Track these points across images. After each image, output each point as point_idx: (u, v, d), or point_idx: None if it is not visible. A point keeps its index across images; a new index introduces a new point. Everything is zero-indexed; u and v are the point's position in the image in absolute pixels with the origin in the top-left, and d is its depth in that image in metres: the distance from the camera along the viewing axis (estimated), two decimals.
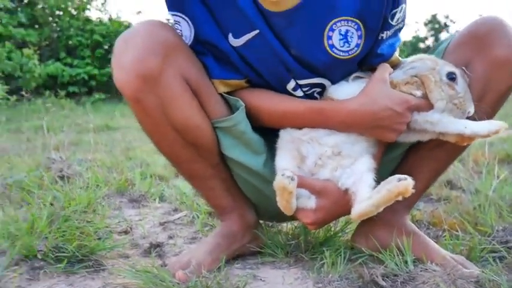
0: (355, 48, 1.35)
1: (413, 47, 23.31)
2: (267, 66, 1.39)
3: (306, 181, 1.36)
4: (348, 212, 1.34)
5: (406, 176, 1.23)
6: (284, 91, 1.43)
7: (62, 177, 2.37)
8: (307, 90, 1.43)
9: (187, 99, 1.35)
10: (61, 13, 12.33)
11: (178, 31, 1.36)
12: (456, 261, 1.40)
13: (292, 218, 1.56)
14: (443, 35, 25.20)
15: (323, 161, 1.37)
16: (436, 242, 1.66)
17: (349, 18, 1.31)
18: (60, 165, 2.55)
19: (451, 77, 1.33)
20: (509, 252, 1.50)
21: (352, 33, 1.33)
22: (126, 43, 1.27)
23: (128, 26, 12.57)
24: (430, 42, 25.08)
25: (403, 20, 1.40)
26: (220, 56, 1.39)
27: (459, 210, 1.99)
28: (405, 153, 1.52)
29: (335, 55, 1.35)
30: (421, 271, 1.34)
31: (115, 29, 12.33)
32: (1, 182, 2.22)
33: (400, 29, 1.43)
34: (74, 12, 12.52)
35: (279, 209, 1.36)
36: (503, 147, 3.67)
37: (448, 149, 1.43)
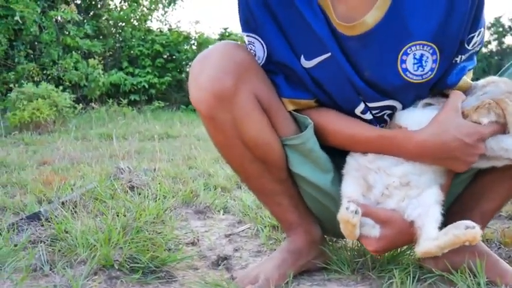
0: (429, 73, 1.34)
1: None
2: (337, 88, 1.40)
3: (371, 210, 1.36)
4: (411, 242, 1.33)
5: (474, 224, 1.22)
6: (352, 114, 1.44)
7: (131, 188, 2.48)
8: (377, 113, 1.43)
9: (259, 117, 1.39)
10: (124, 24, 12.83)
11: (252, 52, 1.40)
12: None
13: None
14: (507, 40, 24.10)
15: (390, 191, 1.37)
16: (508, 263, 1.62)
17: (425, 42, 1.30)
18: (129, 176, 2.67)
19: None
20: None
21: (427, 57, 1.32)
22: (202, 64, 1.33)
23: (187, 37, 12.94)
24: (493, 46, 24.05)
25: (480, 44, 1.38)
26: (291, 76, 1.42)
27: None
28: (476, 173, 1.48)
29: (408, 79, 1.34)
30: None
31: (174, 38, 12.68)
32: (76, 192, 2.34)
33: (476, 53, 1.40)
34: (136, 23, 12.99)
35: None
36: None
37: None
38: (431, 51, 1.31)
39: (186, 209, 2.41)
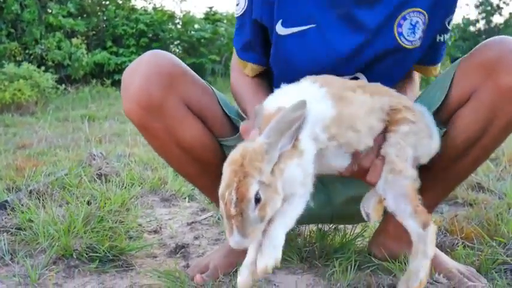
0: (418, 41, 1.43)
1: (463, 31, 22.45)
2: (306, 63, 1.44)
3: None
4: None
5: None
6: None
7: (100, 176, 2.53)
8: None
9: (191, 122, 1.45)
10: (107, 2, 12.67)
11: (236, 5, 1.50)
12: (463, 273, 1.45)
13: (308, 221, 1.65)
14: (495, 18, 24.08)
15: None
16: (450, 251, 1.72)
17: (422, 10, 1.40)
18: (100, 163, 2.72)
19: None
20: None
21: (420, 25, 1.42)
22: (131, 76, 1.38)
23: (172, 16, 12.81)
24: (481, 25, 24.07)
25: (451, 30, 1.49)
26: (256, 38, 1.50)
27: (480, 218, 2.01)
28: None
29: (401, 43, 1.42)
30: (427, 283, 1.39)
31: (159, 17, 12.55)
32: (44, 181, 2.39)
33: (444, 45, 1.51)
34: (119, 1, 12.82)
35: None
36: None
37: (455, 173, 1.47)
38: (424, 20, 1.41)
39: (152, 197, 2.47)
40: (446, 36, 1.49)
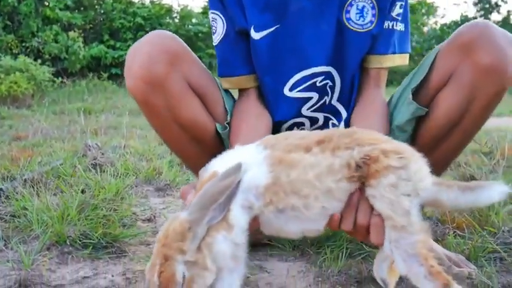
0: (369, 24, 1.50)
1: None
2: (277, 60, 1.54)
3: None
4: None
5: None
6: (281, 94, 1.59)
7: (94, 165, 2.54)
8: (309, 85, 1.56)
9: (192, 100, 1.51)
10: None
11: (214, 28, 1.59)
12: (452, 260, 1.47)
13: None
14: (493, 16, 24.12)
15: None
16: (441, 240, 1.74)
17: None
18: (95, 153, 2.72)
19: None
20: (509, 254, 1.54)
21: (368, 9, 1.49)
22: (135, 54, 1.42)
23: (169, 9, 12.79)
24: None
25: (404, 19, 1.53)
26: (241, 48, 1.57)
27: (472, 208, 2.02)
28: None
29: (350, 27, 1.50)
30: None
31: (156, 11, 12.55)
32: (39, 170, 2.40)
33: (406, 35, 1.56)
34: None
35: None
36: None
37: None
38: (371, 5, 1.49)
39: (147, 187, 2.48)
40: (397, 25, 1.54)
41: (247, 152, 1.15)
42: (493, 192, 1.08)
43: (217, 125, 1.54)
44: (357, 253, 1.57)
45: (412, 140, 1.54)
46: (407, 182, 1.06)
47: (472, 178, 2.66)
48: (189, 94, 1.48)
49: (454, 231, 1.79)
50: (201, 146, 1.55)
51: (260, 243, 1.70)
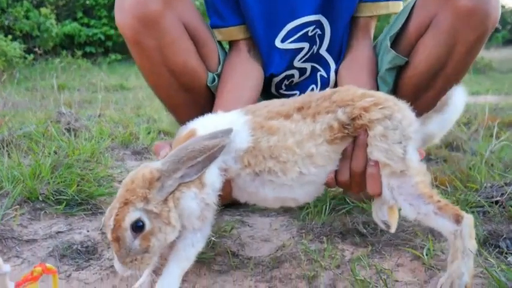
0: None
1: None
2: (267, 9, 1.48)
3: None
4: None
5: None
6: (272, 46, 1.52)
7: (68, 130, 2.45)
8: (301, 35, 1.51)
9: (185, 44, 1.42)
10: None
11: None
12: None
13: None
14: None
15: None
16: None
17: None
18: (69, 119, 2.63)
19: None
20: (492, 207, 1.53)
21: None
22: None
23: None
24: None
25: None
26: None
27: (453, 169, 2.02)
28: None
29: None
30: (401, 221, 1.39)
31: None
32: (10, 133, 2.30)
33: None
34: None
35: None
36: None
37: None
38: None
39: (124, 150, 2.41)
40: None
41: (230, 116, 1.14)
42: (457, 92, 1.14)
43: (209, 74, 1.48)
44: (340, 207, 1.55)
45: (395, 93, 1.51)
46: (395, 130, 1.08)
47: (454, 143, 2.67)
48: (184, 37, 1.40)
49: (438, 187, 1.77)
50: (190, 95, 1.47)
51: (239, 202, 1.65)
